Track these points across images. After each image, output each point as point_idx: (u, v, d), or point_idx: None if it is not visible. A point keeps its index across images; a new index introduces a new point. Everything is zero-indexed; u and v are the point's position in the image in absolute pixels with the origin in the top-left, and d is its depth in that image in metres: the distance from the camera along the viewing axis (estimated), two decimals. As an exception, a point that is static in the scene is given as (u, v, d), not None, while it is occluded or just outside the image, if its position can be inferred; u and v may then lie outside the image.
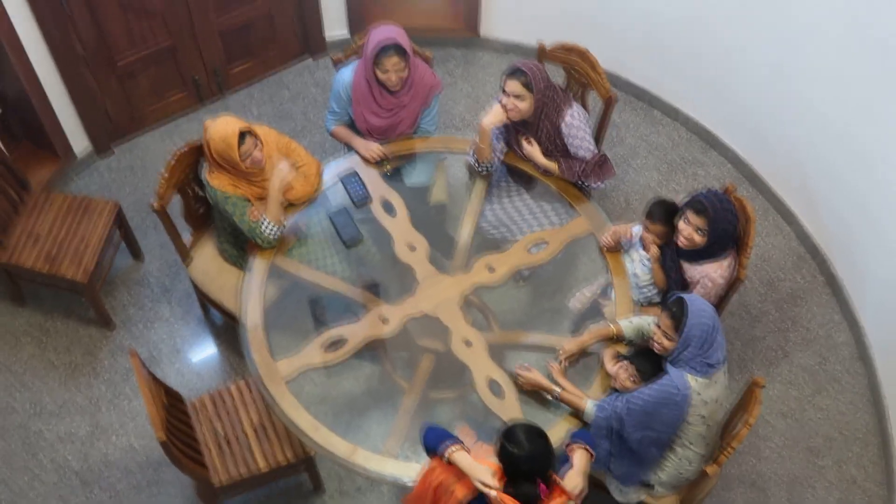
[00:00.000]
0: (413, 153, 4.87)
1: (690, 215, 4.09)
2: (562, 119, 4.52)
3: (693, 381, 3.68)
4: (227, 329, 5.20)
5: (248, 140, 4.26)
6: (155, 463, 4.81)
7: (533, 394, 4.04)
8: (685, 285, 4.27)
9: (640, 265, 4.40)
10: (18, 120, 5.55)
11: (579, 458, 3.50)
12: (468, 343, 4.15)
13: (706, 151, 5.97)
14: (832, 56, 4.81)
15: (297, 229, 4.57)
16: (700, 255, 4.17)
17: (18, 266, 4.95)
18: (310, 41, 6.36)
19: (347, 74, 4.75)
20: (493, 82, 6.27)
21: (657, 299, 4.45)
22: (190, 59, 5.85)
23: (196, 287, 4.93)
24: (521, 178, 4.78)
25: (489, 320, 4.60)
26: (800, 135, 5.27)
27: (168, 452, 3.77)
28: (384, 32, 4.52)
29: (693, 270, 4.22)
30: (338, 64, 4.97)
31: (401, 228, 4.52)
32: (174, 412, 4.07)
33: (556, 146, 4.61)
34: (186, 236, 4.83)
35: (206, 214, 4.85)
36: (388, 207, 4.61)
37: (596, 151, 4.59)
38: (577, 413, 3.95)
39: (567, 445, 3.59)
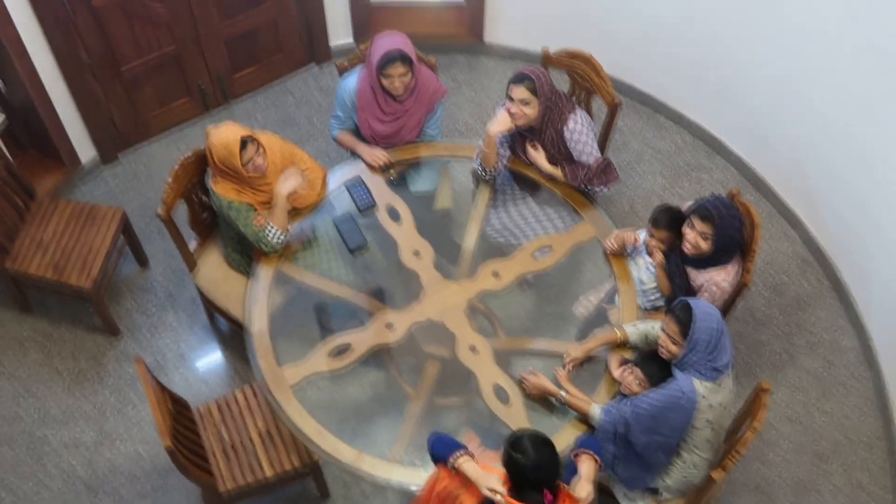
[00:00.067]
0: (418, 160, 4.88)
1: (696, 222, 4.09)
2: (565, 125, 4.52)
3: (700, 386, 3.68)
4: (232, 336, 5.20)
5: (250, 146, 4.26)
6: (161, 470, 4.81)
7: (539, 400, 4.04)
8: (690, 292, 4.26)
9: (645, 271, 4.40)
10: (24, 128, 5.56)
11: (586, 467, 3.50)
12: (474, 349, 4.15)
13: (711, 156, 5.97)
14: (835, 61, 4.81)
15: (302, 236, 4.57)
16: (706, 261, 4.17)
17: (24, 274, 4.96)
18: (314, 48, 6.37)
19: (352, 81, 4.76)
20: (497, 88, 6.27)
21: (662, 304, 4.45)
22: (195, 66, 5.87)
23: (202, 294, 4.93)
24: (526, 184, 4.78)
25: (495, 326, 4.60)
26: (804, 139, 5.27)
27: (174, 460, 3.77)
28: (389, 41, 4.53)
29: (699, 277, 4.21)
30: (342, 71, 4.97)
31: (406, 235, 4.52)
32: (180, 419, 4.08)
33: (560, 152, 4.61)
34: (192, 243, 4.84)
35: (211, 222, 4.85)
36: (394, 214, 4.62)
37: (600, 157, 4.59)
38: (583, 418, 3.95)
39: (573, 454, 3.58)
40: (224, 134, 4.24)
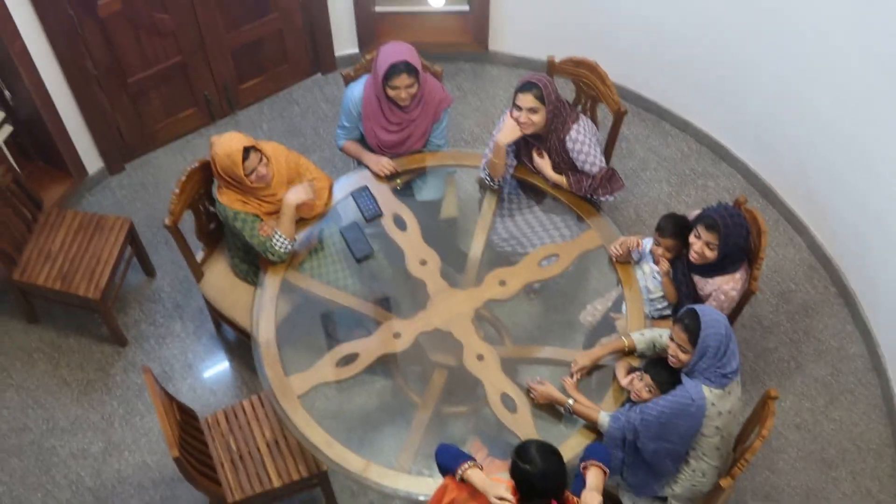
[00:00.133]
0: (423, 168, 4.89)
1: (701, 230, 4.09)
2: (567, 134, 4.53)
3: (709, 393, 3.68)
4: (239, 345, 5.21)
5: (253, 156, 4.27)
6: (168, 479, 4.81)
7: (546, 408, 4.04)
8: (697, 300, 4.26)
9: (651, 280, 4.40)
10: (31, 139, 5.58)
11: (594, 477, 3.50)
12: (480, 357, 4.15)
13: (716, 163, 5.97)
14: (841, 67, 4.81)
15: (309, 245, 4.58)
16: (712, 269, 4.17)
17: (32, 284, 4.97)
18: (320, 57, 6.38)
19: (357, 90, 4.77)
20: (502, 96, 6.28)
21: (668, 313, 4.45)
22: (201, 76, 5.88)
23: (208, 303, 4.94)
24: (532, 191, 4.78)
25: (501, 334, 4.60)
26: (810, 146, 5.27)
27: (182, 469, 3.77)
28: (394, 51, 4.54)
29: (706, 284, 4.21)
30: (348, 80, 4.98)
31: (412, 243, 4.53)
32: (188, 429, 4.08)
33: (563, 161, 4.62)
34: (199, 253, 4.85)
35: (217, 231, 4.86)
36: (400, 222, 4.62)
37: (603, 166, 4.59)
38: (591, 426, 3.94)
39: (581, 465, 3.58)
40: (227, 144, 4.26)
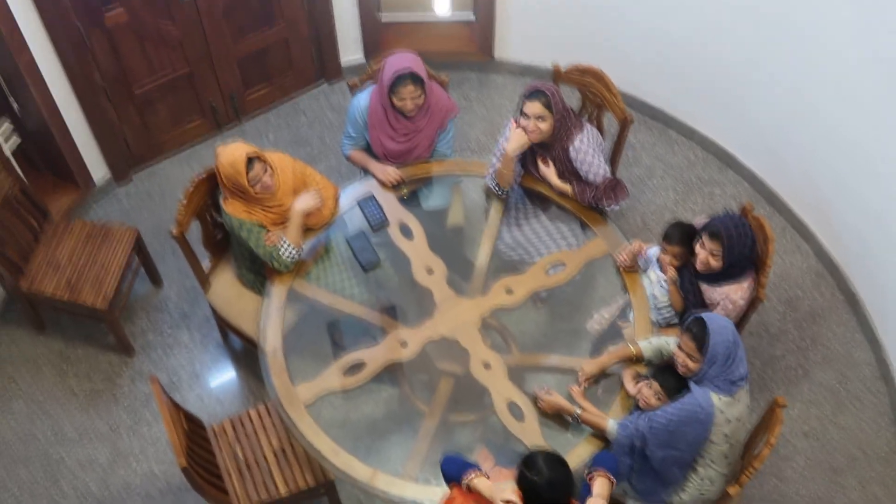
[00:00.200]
0: (430, 177, 4.89)
1: (705, 239, 4.10)
2: (570, 143, 4.53)
3: (717, 400, 3.67)
4: (246, 354, 5.21)
5: (257, 165, 4.28)
6: (175, 489, 4.81)
7: (553, 416, 4.03)
8: (704, 307, 4.25)
9: (658, 287, 4.40)
10: (38, 150, 5.60)
11: (600, 485, 3.49)
12: (487, 366, 4.15)
13: (723, 171, 5.97)
14: (846, 74, 4.81)
15: (315, 254, 4.59)
16: (720, 277, 4.16)
17: (39, 294, 4.99)
18: (325, 66, 6.40)
19: (363, 99, 4.78)
20: (508, 105, 6.29)
21: (676, 321, 4.44)
22: (207, 86, 5.90)
23: (215, 313, 4.95)
24: (538, 199, 4.78)
25: (508, 343, 4.60)
26: (816, 152, 5.26)
27: (189, 478, 3.77)
28: (400, 61, 4.55)
29: (713, 292, 4.21)
30: (354, 89, 4.99)
31: (418, 252, 4.53)
32: (195, 438, 4.08)
33: (567, 169, 4.62)
34: (205, 262, 4.86)
35: (224, 240, 4.87)
36: (406, 231, 4.63)
37: (608, 176, 4.58)
38: (598, 434, 3.94)
39: (587, 474, 3.57)
40: (231, 153, 4.26)
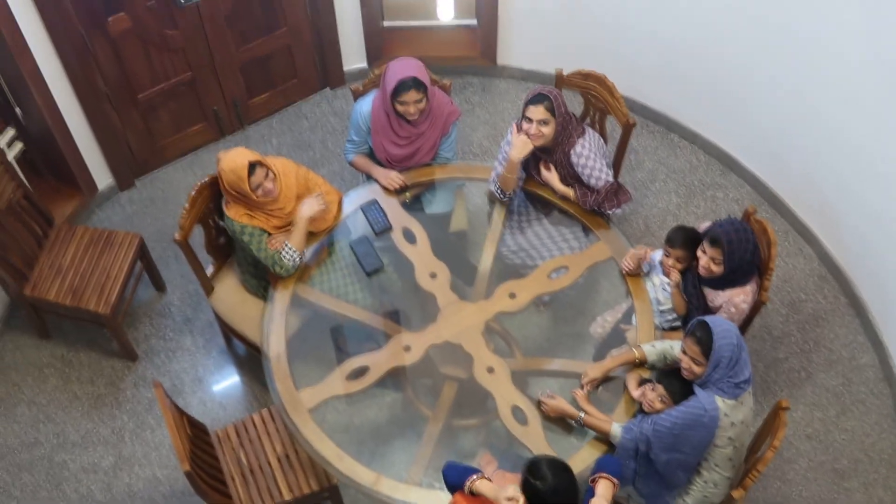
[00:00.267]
0: (433, 181, 4.90)
1: (706, 246, 4.10)
2: (572, 148, 4.53)
3: (721, 403, 3.67)
4: (249, 359, 5.21)
5: (259, 171, 4.29)
6: (179, 494, 4.81)
7: (557, 420, 4.03)
8: (707, 311, 4.25)
9: (661, 291, 4.40)
10: (42, 156, 5.61)
11: (603, 488, 3.49)
12: (491, 370, 4.15)
13: (725, 174, 5.97)
14: (849, 77, 4.81)
15: (317, 258, 4.59)
16: (723, 281, 4.16)
17: (43, 299, 4.99)
18: (329, 73, 6.41)
19: (366, 104, 4.78)
20: (511, 110, 6.29)
21: (679, 324, 4.44)
22: (210, 92, 5.91)
23: (218, 318, 4.95)
24: (541, 204, 4.79)
25: (511, 347, 4.60)
26: (818, 156, 5.26)
27: (193, 483, 3.77)
28: (403, 67, 4.55)
29: (716, 296, 4.21)
30: (357, 95, 5.00)
31: (422, 256, 4.53)
32: (198, 443, 4.08)
33: (569, 173, 4.62)
34: (208, 268, 4.86)
35: (227, 246, 4.88)
36: (409, 235, 4.63)
37: (609, 180, 4.59)
38: (602, 438, 3.94)
39: (591, 479, 3.57)
40: (232, 159, 4.27)
